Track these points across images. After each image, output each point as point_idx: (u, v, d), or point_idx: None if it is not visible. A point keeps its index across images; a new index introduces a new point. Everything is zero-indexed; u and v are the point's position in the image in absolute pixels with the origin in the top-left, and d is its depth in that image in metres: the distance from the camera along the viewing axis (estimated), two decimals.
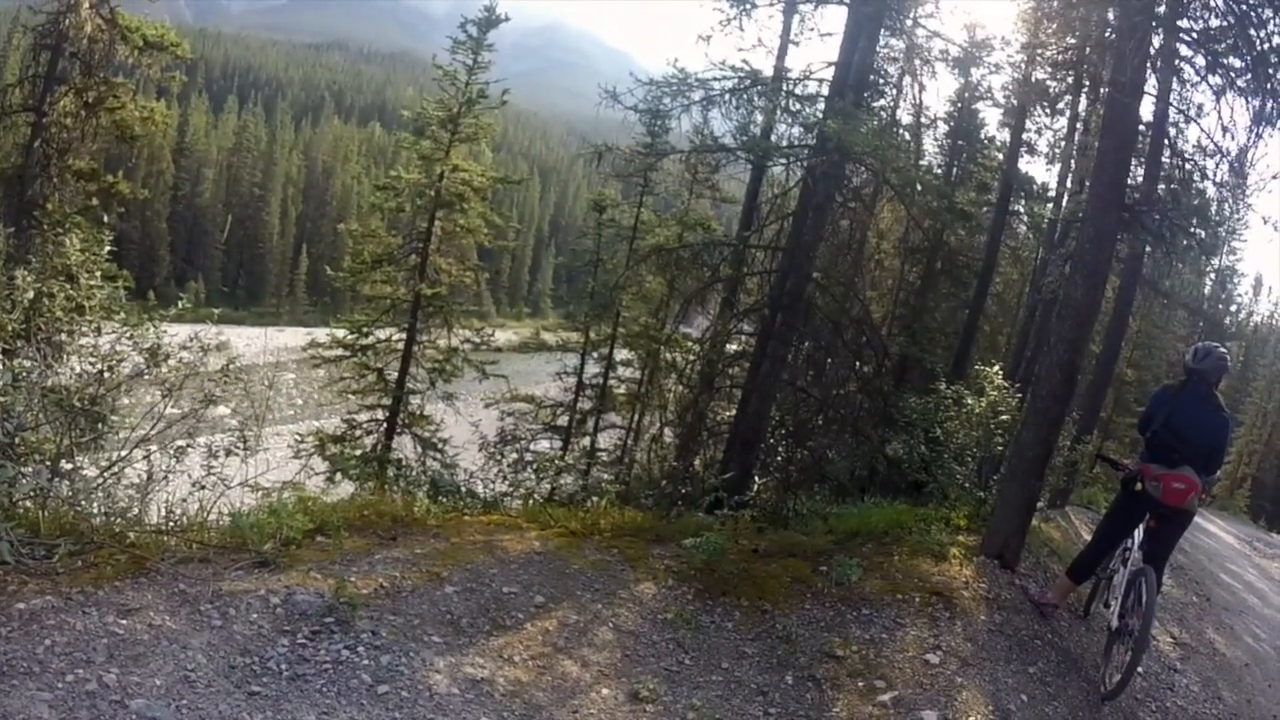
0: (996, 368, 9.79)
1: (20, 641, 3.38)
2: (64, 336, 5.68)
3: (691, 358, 15.04)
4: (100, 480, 4.92)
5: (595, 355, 17.99)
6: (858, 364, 12.85)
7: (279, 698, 3.58)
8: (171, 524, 4.84)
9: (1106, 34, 7.65)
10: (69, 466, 4.84)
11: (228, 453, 5.31)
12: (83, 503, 4.72)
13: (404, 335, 16.13)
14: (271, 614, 4.12)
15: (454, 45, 15.88)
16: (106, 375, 5.11)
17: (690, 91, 10.66)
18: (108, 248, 7.07)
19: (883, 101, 15.55)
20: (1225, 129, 7.23)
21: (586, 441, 17.44)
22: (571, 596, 5.30)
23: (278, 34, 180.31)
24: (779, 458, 12.72)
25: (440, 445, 15.52)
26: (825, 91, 11.11)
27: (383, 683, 3.90)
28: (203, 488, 5.12)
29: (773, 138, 11.84)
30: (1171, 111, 9.43)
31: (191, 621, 3.88)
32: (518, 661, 4.43)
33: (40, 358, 4.92)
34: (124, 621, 3.71)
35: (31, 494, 4.51)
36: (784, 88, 11.24)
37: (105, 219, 10.11)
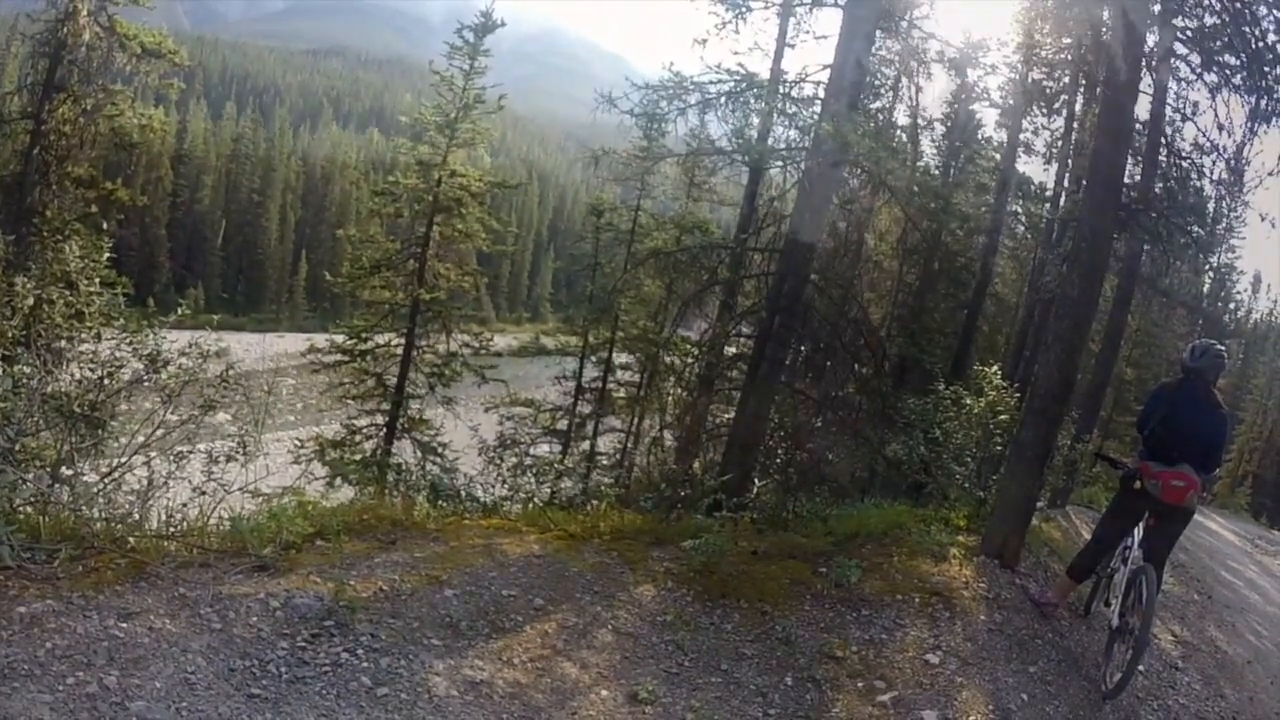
0: (995, 368, 9.79)
1: (21, 644, 3.39)
2: (64, 343, 5.70)
3: (690, 360, 15.05)
4: (100, 486, 4.93)
5: (594, 359, 18.02)
6: (856, 365, 12.86)
7: (278, 700, 3.59)
8: (172, 529, 4.86)
9: (1101, 33, 7.66)
10: (69, 472, 4.85)
11: (228, 458, 5.32)
12: (83, 508, 4.73)
13: (403, 340, 16.14)
14: (271, 617, 4.12)
15: (451, 51, 15.90)
16: (106, 381, 5.12)
17: (687, 95, 10.69)
18: (107, 254, 7.12)
19: (879, 103, 15.61)
20: (1221, 126, 7.27)
21: (586, 445, 17.46)
22: (571, 599, 5.30)
23: (275, 41, 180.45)
24: (778, 460, 12.72)
25: (440, 449, 15.54)
26: (821, 94, 11.12)
27: (382, 685, 3.91)
28: (203, 493, 5.13)
29: (769, 140, 11.86)
30: (1168, 109, 9.48)
31: (191, 625, 3.89)
32: (517, 664, 4.43)
33: (40, 364, 4.94)
34: (124, 625, 3.72)
35: (32, 499, 4.53)
36: (780, 90, 11.26)
37: (104, 226, 10.16)
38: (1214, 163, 8.11)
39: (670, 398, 15.36)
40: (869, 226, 16.15)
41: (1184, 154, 9.26)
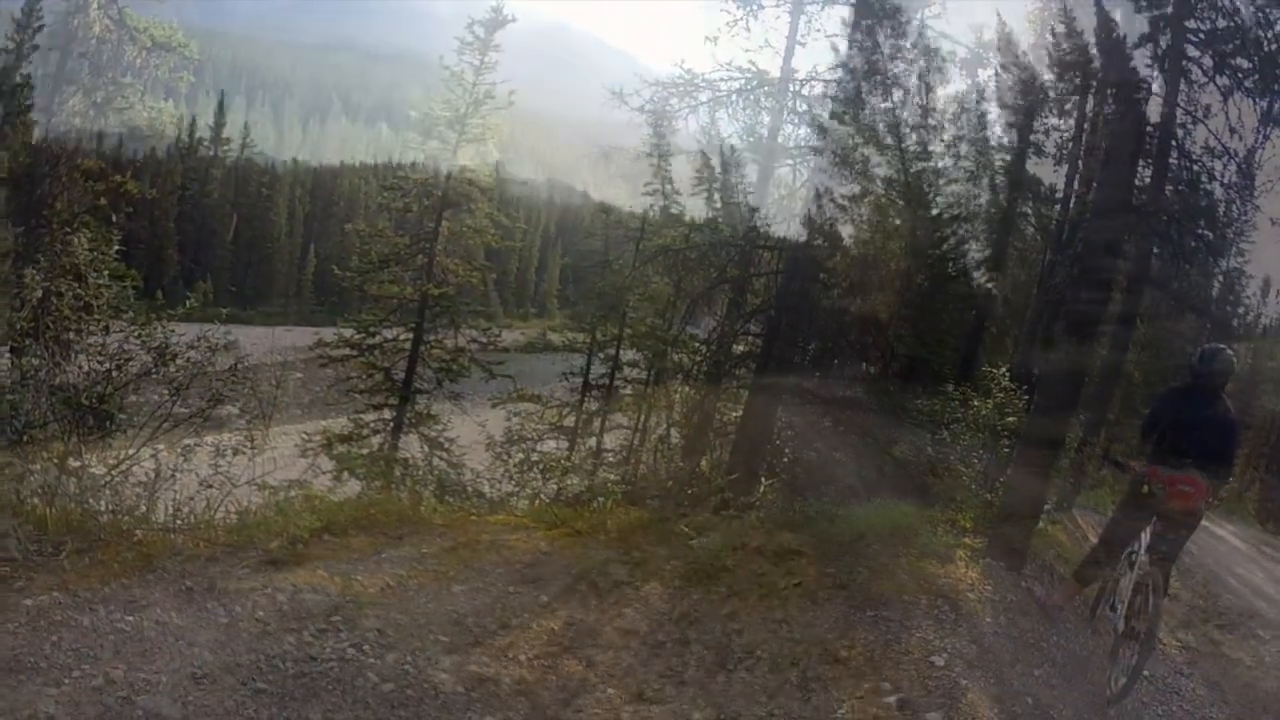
0: (1003, 369, 9.75)
1: (28, 638, 3.40)
2: (72, 335, 5.71)
3: (698, 358, 15.00)
4: (108, 478, 4.94)
5: (601, 356, 17.95)
6: (864, 365, 12.82)
7: (285, 695, 3.59)
8: (179, 522, 4.86)
9: (1113, 35, 7.62)
10: (77, 464, 4.86)
11: (235, 451, 5.33)
12: (90, 500, 4.74)
13: (411, 335, 16.14)
14: (278, 612, 4.12)
15: (461, 46, 15.87)
16: (114, 374, 5.14)
17: (697, 92, 10.73)
18: (116, 247, 7.12)
19: (889, 103, 15.51)
20: (1233, 130, 7.25)
21: (593, 442, 17.40)
22: (577, 596, 5.29)
23: (284, 35, 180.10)
24: (785, 459, 12.68)
25: (447, 445, 15.50)
26: (832, 93, 11.10)
27: (388, 681, 3.90)
28: (210, 486, 5.13)
29: (779, 138, 11.85)
30: (1179, 112, 9.40)
31: (198, 619, 3.89)
32: (523, 661, 4.42)
33: (49, 356, 4.95)
34: (131, 618, 3.73)
35: (40, 491, 4.54)
36: (791, 89, 11.26)
37: (113, 219, 10.14)
38: (1225, 166, 8.07)
39: (677, 395, 15.31)
40: (877, 226, 16.06)
41: (1195, 157, 9.20)
